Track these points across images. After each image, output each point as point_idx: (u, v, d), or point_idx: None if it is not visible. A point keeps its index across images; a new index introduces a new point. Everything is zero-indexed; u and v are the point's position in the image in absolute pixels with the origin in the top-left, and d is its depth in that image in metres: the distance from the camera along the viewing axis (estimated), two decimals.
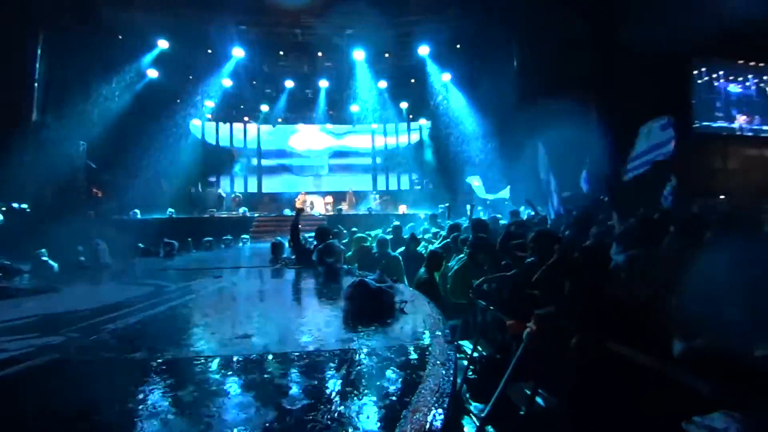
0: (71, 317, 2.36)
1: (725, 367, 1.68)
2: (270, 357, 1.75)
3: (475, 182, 13.30)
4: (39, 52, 11.79)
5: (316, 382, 1.51)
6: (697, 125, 12.68)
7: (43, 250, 5.86)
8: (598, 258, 2.86)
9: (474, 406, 3.42)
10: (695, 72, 12.37)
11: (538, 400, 2.72)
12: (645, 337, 2.20)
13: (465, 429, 3.06)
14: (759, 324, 1.78)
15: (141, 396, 1.42)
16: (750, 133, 13.90)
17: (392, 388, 1.42)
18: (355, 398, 1.35)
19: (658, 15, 9.59)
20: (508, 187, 12.19)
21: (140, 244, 7.35)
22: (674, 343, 1.89)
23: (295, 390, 1.47)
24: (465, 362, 3.76)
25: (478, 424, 3.01)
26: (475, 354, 3.84)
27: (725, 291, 1.91)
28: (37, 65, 11.79)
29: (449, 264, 4.82)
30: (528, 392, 2.69)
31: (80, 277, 4.34)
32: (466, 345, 4.01)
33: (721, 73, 13.14)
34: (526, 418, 2.65)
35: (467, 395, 3.53)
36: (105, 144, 13.42)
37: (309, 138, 19.45)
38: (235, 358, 1.72)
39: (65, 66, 12.00)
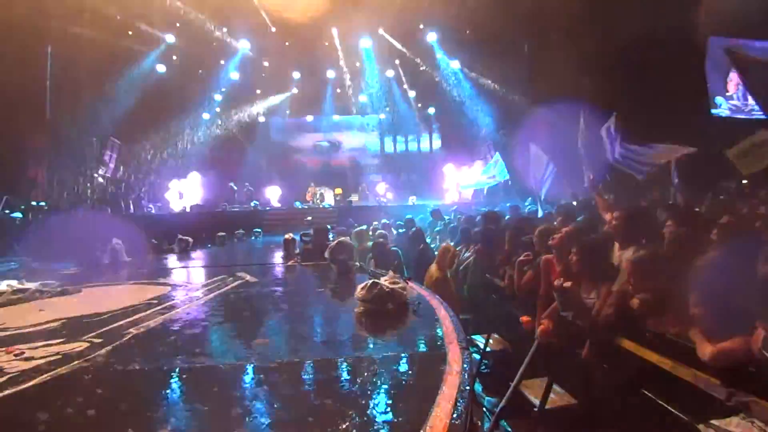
0: (93, 322, 2.42)
1: (755, 370, 1.65)
2: (287, 363, 1.78)
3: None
4: (49, 50, 11.93)
5: (330, 389, 1.53)
6: (714, 110, 12.27)
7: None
8: (601, 255, 2.84)
9: (487, 400, 3.45)
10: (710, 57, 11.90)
11: (552, 396, 2.73)
12: (659, 337, 2.18)
13: (478, 423, 3.09)
14: None
15: (165, 404, 1.46)
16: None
17: (407, 396, 1.43)
18: (368, 406, 1.37)
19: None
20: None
21: (154, 240, 7.48)
22: (701, 345, 1.86)
23: (311, 396, 1.50)
24: (478, 356, 3.78)
25: (491, 418, 3.03)
26: (488, 349, 3.85)
27: (749, 291, 1.87)
28: (49, 64, 11.94)
29: (463, 256, 4.81)
30: (543, 388, 2.69)
31: (99, 276, 4.45)
32: (479, 339, 4.02)
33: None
34: (540, 414, 2.66)
35: (480, 390, 3.56)
36: (119, 140, 13.62)
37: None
38: (252, 366, 1.76)
39: (76, 64, 12.11)
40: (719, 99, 12.83)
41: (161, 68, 14.72)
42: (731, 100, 12.76)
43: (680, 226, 2.82)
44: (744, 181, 7.69)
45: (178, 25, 13.91)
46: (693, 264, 2.17)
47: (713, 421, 1.72)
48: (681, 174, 5.62)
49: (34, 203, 11.23)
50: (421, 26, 15.04)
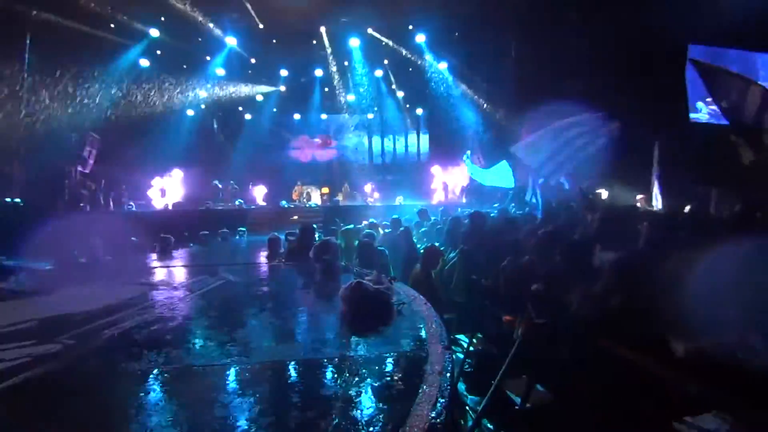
0: (67, 322, 2.34)
1: (727, 368, 1.71)
2: (269, 364, 1.76)
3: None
4: (28, 42, 11.55)
5: (312, 390, 1.52)
6: (694, 115, 12.68)
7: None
8: (582, 255, 2.90)
9: (470, 399, 3.48)
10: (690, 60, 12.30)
11: (534, 394, 2.77)
12: (638, 337, 2.23)
13: (460, 422, 3.11)
14: (756, 323, 1.80)
15: (141, 406, 1.43)
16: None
17: (389, 397, 1.43)
18: (350, 407, 1.37)
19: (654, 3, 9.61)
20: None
21: (134, 239, 7.30)
22: (675, 343, 1.92)
23: (293, 397, 1.48)
24: (461, 356, 3.81)
25: (474, 417, 3.06)
26: (472, 348, 3.88)
27: (723, 291, 1.93)
28: (26, 57, 11.56)
29: (448, 257, 4.84)
30: (524, 387, 2.73)
31: (76, 275, 4.31)
32: (463, 339, 4.05)
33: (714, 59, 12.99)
34: (521, 413, 2.70)
35: (463, 389, 3.58)
36: (99, 135, 13.28)
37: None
38: (233, 367, 1.73)
39: (56, 57, 11.75)
40: (699, 104, 13.23)
41: (144, 62, 14.41)
42: (711, 105, 13.18)
43: (657, 228, 2.90)
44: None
45: (162, 19, 13.65)
46: (670, 264, 2.23)
47: (687, 418, 1.77)
48: (662, 178, 5.81)
49: (8, 200, 10.86)
50: (411, 27, 15.09)
